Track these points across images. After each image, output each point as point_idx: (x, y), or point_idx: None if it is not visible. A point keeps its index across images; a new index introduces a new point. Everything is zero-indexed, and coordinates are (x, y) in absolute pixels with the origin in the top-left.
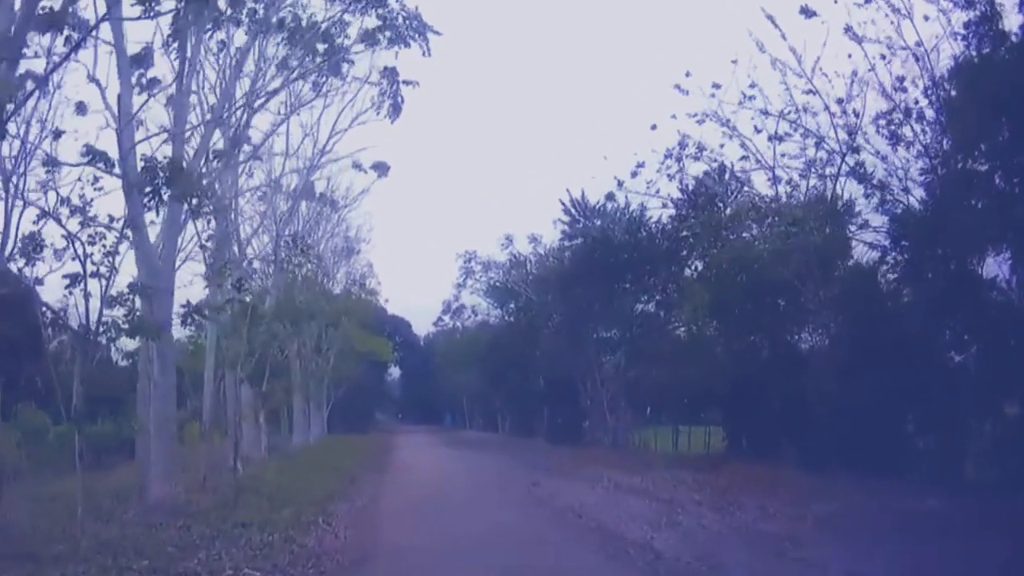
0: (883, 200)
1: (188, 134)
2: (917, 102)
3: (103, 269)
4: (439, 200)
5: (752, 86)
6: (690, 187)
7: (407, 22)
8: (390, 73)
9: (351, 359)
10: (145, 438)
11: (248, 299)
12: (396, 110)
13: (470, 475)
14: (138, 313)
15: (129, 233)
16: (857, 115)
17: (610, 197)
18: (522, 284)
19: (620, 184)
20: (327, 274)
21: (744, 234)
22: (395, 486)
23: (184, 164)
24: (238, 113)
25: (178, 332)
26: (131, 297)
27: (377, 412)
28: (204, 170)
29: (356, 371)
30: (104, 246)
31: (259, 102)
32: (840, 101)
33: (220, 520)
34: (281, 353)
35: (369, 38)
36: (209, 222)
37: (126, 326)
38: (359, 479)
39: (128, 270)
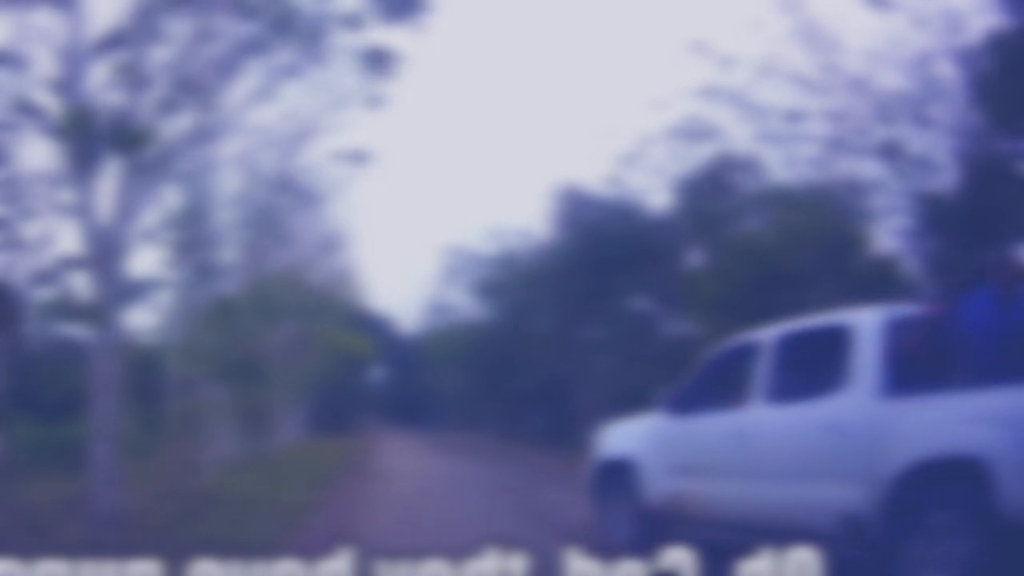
0: (910, 183)
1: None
2: (942, 78)
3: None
4: (424, 193)
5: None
6: (696, 173)
7: None
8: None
9: (332, 358)
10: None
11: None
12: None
13: (473, 490)
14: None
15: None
16: (879, 92)
17: (612, 181)
18: (510, 280)
19: (623, 162)
20: (306, 267)
21: (752, 223)
22: (382, 499)
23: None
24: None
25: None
26: (61, 273)
27: (359, 413)
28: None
29: (337, 371)
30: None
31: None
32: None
33: (170, 540)
34: (257, 350)
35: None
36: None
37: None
38: (338, 488)
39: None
